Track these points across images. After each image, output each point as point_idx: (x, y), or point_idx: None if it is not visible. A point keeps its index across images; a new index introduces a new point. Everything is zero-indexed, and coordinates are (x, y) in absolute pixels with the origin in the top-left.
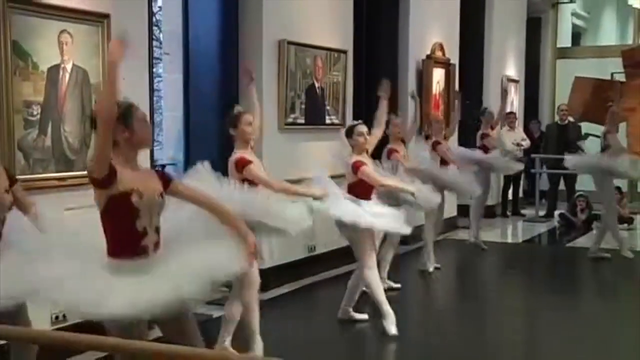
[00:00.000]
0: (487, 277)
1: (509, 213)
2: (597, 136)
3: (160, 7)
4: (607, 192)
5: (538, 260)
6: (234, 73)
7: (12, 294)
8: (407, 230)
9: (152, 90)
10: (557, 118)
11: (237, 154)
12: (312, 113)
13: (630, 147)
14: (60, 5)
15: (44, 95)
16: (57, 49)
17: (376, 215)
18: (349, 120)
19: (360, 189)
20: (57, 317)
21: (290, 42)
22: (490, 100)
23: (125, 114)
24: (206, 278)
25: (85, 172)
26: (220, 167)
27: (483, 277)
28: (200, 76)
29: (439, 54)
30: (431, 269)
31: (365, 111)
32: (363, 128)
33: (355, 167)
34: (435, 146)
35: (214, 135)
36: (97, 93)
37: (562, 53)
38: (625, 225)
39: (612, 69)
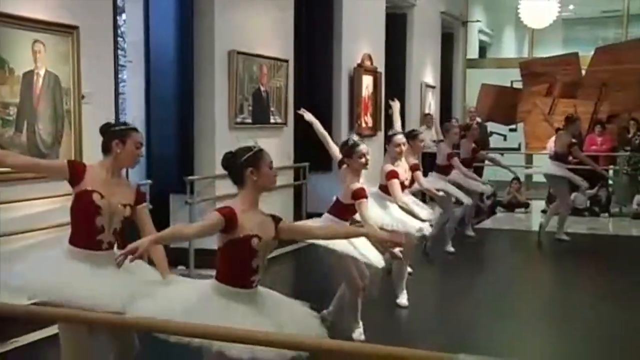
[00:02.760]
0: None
1: None
2: (500, 134)
3: (125, 20)
4: (560, 185)
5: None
6: (189, 78)
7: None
8: (380, 263)
9: (117, 93)
10: (467, 119)
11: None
12: (258, 114)
13: (527, 145)
14: (34, 18)
15: (19, 97)
16: (32, 56)
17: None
18: (291, 120)
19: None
20: None
21: (239, 52)
22: (412, 104)
23: (124, 133)
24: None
25: None
26: (177, 157)
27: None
28: (160, 81)
29: (367, 63)
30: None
31: None
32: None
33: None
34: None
35: (171, 132)
36: (67, 95)
37: (471, 64)
38: (523, 209)
39: (511, 77)
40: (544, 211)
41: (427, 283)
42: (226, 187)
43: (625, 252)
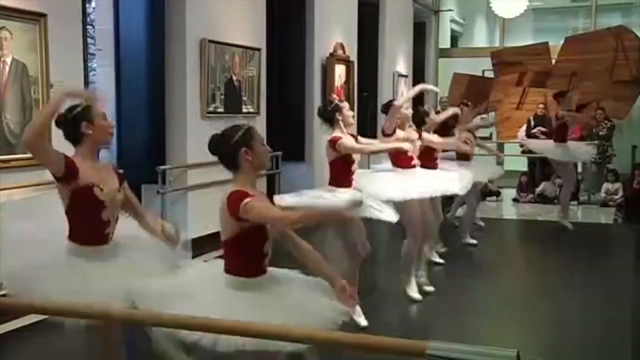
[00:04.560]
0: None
1: None
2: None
3: (94, 7)
4: (566, 171)
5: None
6: (160, 67)
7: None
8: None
9: (87, 82)
10: (439, 108)
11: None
12: (231, 103)
13: (498, 134)
14: (0, 5)
15: None
16: None
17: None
18: (263, 109)
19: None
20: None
21: (210, 41)
22: (384, 92)
23: (86, 111)
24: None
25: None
26: (149, 147)
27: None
28: (130, 69)
29: (340, 52)
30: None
31: (276, 101)
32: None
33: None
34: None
35: (142, 121)
36: (35, 84)
37: (443, 53)
38: (494, 197)
39: (483, 67)
40: (515, 199)
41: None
42: (198, 176)
43: (593, 240)
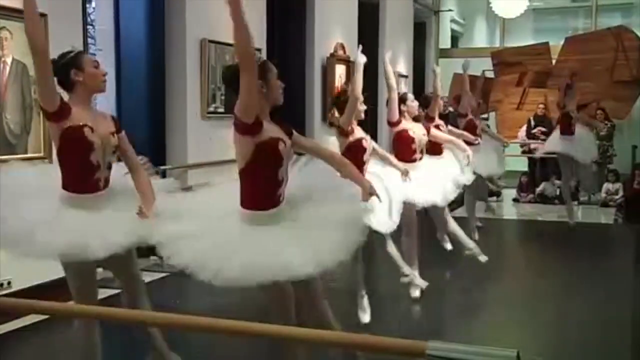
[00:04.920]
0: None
1: None
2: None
3: (94, 7)
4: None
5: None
6: (160, 67)
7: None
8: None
9: None
10: (441, 107)
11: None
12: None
13: (499, 133)
14: (0, 5)
15: None
16: None
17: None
18: None
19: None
20: (1, 284)
21: (210, 41)
22: (384, 93)
23: (75, 58)
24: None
25: (26, 155)
26: (149, 147)
27: None
28: (130, 69)
29: (340, 52)
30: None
31: None
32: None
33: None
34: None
35: (142, 121)
36: (35, 84)
37: (443, 53)
38: (494, 198)
39: (483, 67)
40: (515, 199)
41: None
42: (198, 176)
43: (593, 240)
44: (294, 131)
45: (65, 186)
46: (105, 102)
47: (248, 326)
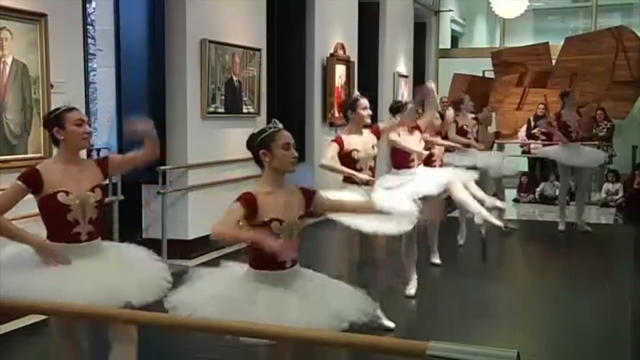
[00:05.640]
0: None
1: None
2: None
3: (94, 8)
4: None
5: None
6: (161, 67)
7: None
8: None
9: (87, 82)
10: (439, 108)
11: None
12: (231, 103)
13: (499, 133)
14: (0, 5)
15: None
16: None
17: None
18: (264, 110)
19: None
20: None
21: (210, 41)
22: (384, 93)
23: (58, 117)
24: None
25: (26, 156)
26: None
27: None
28: (130, 70)
29: (340, 52)
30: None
31: (276, 102)
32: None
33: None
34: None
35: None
36: (35, 84)
37: (443, 53)
38: (494, 197)
39: (483, 67)
40: (515, 200)
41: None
42: (199, 177)
43: (593, 240)
44: (316, 194)
45: (49, 238)
46: (107, 102)
47: (248, 326)
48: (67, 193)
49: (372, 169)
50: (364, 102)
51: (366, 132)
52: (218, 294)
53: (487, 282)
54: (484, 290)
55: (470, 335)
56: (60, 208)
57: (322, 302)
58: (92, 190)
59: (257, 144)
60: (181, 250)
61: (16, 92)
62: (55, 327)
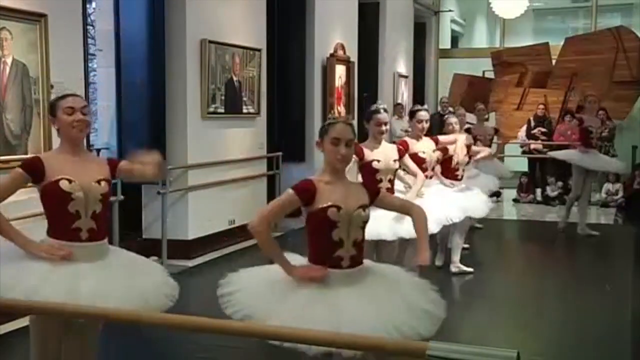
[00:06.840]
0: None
1: None
2: (472, 124)
3: (94, 8)
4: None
5: None
6: (161, 67)
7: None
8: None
9: (87, 82)
10: (439, 108)
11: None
12: (231, 103)
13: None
14: (0, 5)
15: None
16: None
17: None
18: (264, 110)
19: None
20: None
21: (211, 41)
22: (385, 93)
23: (51, 107)
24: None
25: (26, 156)
26: (149, 147)
27: None
28: (130, 70)
29: (340, 52)
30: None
31: (276, 102)
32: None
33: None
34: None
35: (142, 122)
36: (35, 85)
37: (443, 53)
38: (494, 197)
39: (483, 67)
40: (515, 200)
41: None
42: (199, 177)
43: (593, 240)
44: (380, 192)
45: (47, 232)
46: (107, 102)
47: (248, 326)
48: (69, 181)
49: (391, 182)
50: (381, 117)
51: (389, 145)
52: (269, 297)
53: (487, 282)
54: (484, 290)
55: (470, 335)
56: (62, 196)
57: (381, 308)
58: (98, 182)
59: (319, 132)
60: (181, 250)
61: (16, 92)
62: (37, 330)
